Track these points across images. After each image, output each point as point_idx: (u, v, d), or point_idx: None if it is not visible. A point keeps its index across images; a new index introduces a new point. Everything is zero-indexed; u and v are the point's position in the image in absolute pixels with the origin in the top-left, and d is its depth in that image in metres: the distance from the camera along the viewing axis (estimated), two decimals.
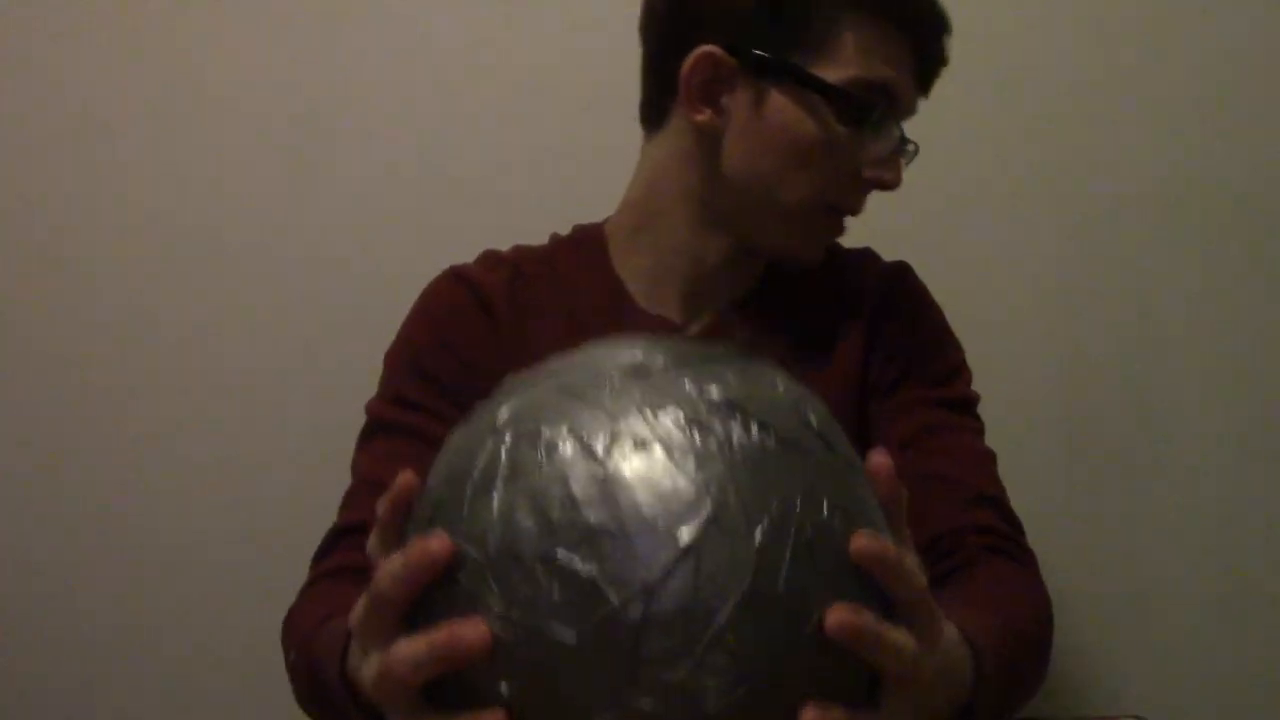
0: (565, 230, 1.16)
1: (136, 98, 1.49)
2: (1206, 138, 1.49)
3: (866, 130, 0.98)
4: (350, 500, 1.04)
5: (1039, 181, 1.49)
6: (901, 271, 1.15)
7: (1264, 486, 1.49)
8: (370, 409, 1.09)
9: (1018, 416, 1.46)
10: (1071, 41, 1.48)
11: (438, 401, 1.03)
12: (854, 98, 0.96)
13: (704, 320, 1.08)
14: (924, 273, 1.49)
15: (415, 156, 1.49)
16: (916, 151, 1.02)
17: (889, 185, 1.00)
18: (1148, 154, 1.49)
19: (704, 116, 1.00)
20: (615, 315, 1.06)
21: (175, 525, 1.50)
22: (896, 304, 1.11)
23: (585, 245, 1.11)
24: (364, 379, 1.49)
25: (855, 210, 1.04)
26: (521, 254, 1.13)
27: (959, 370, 1.11)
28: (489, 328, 1.06)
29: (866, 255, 1.16)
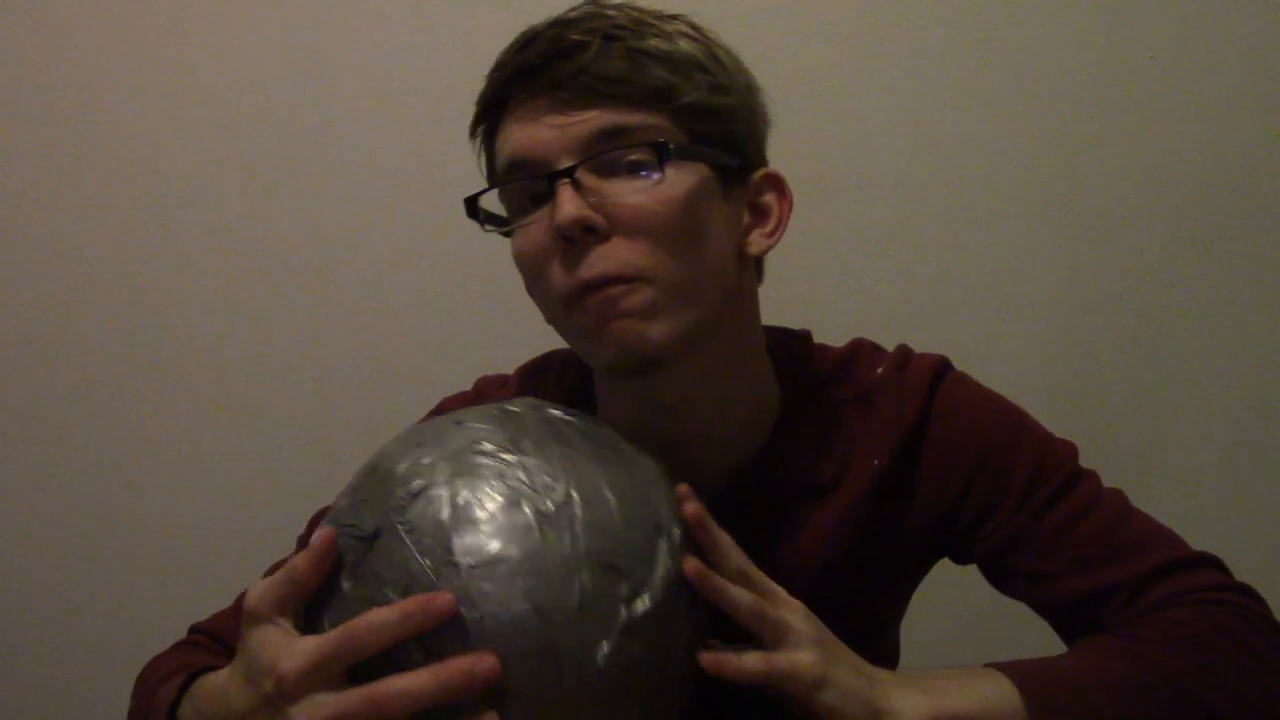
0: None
1: (137, 98, 1.49)
2: (1207, 139, 1.49)
3: (532, 205, 0.83)
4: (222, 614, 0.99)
5: (1041, 186, 1.49)
6: (931, 395, 0.94)
7: (1264, 487, 1.49)
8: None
9: None
10: (1073, 44, 1.48)
11: None
12: (505, 193, 0.85)
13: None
14: (924, 275, 1.50)
15: (419, 156, 1.49)
16: (574, 170, 0.81)
17: (561, 227, 0.79)
18: (1149, 158, 1.49)
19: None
20: None
21: (174, 526, 1.51)
22: (934, 445, 0.93)
23: (575, 404, 0.90)
24: (363, 379, 1.50)
25: (582, 277, 0.80)
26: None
27: (1039, 464, 0.92)
28: None
29: (891, 385, 0.94)
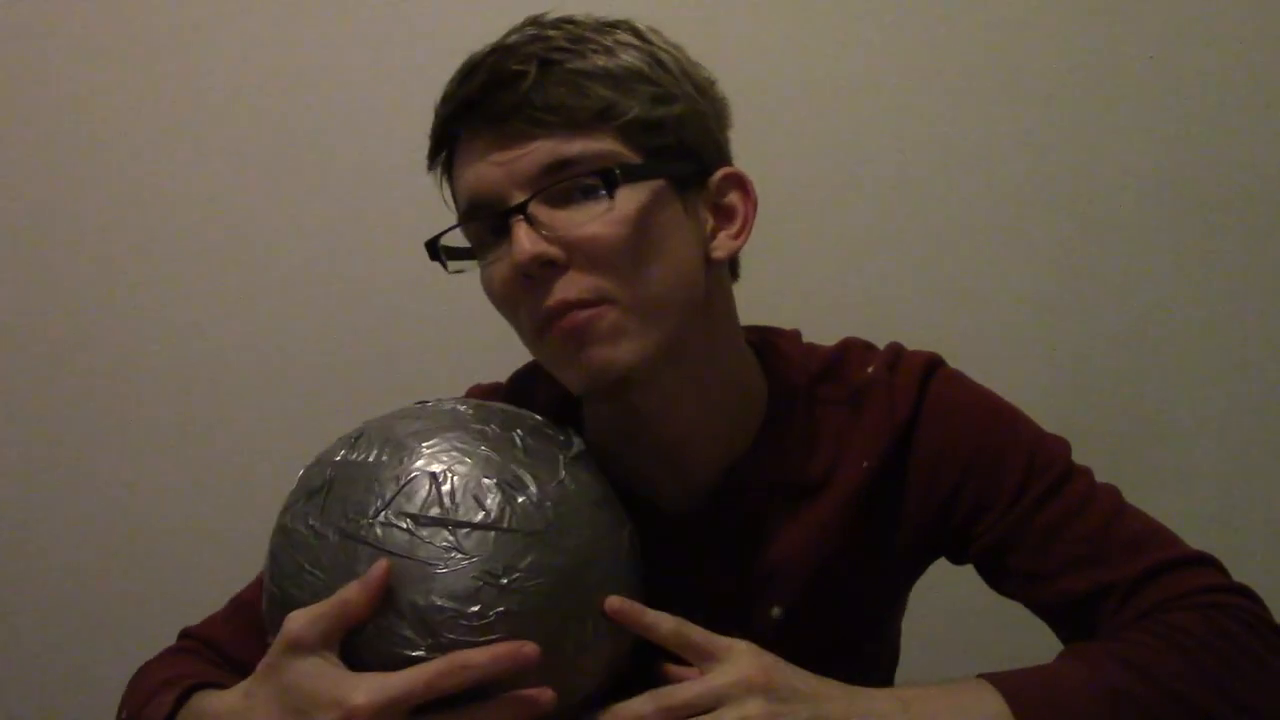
0: None
1: (136, 97, 1.49)
2: (1207, 139, 1.49)
3: (493, 238, 0.83)
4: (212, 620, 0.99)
5: (1040, 186, 1.49)
6: (919, 399, 0.92)
7: (1264, 487, 1.49)
8: None
9: None
10: (1073, 44, 1.48)
11: None
12: (467, 232, 0.85)
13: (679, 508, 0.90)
14: (921, 275, 1.50)
15: (416, 156, 1.49)
16: (525, 205, 0.80)
17: (519, 264, 0.79)
18: (1149, 157, 1.49)
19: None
20: None
21: (174, 526, 1.51)
22: (921, 447, 0.92)
23: (565, 411, 0.93)
24: (363, 379, 1.50)
25: (544, 305, 0.80)
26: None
27: (1032, 461, 0.90)
28: None
29: (879, 385, 0.93)
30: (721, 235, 0.86)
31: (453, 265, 0.87)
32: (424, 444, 0.76)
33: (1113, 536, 0.87)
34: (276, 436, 1.50)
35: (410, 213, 1.50)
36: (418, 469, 0.75)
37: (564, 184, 0.79)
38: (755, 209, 0.88)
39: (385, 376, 1.50)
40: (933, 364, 0.94)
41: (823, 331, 0.99)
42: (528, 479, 0.76)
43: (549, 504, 0.75)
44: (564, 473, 0.78)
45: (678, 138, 0.83)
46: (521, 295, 0.81)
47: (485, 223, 0.82)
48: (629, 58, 0.82)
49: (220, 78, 1.49)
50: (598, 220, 0.79)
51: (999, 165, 1.49)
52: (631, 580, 0.81)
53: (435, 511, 0.73)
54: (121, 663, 1.55)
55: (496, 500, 0.74)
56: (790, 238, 1.38)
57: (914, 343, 0.97)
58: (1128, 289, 1.49)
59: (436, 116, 0.86)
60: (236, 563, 1.49)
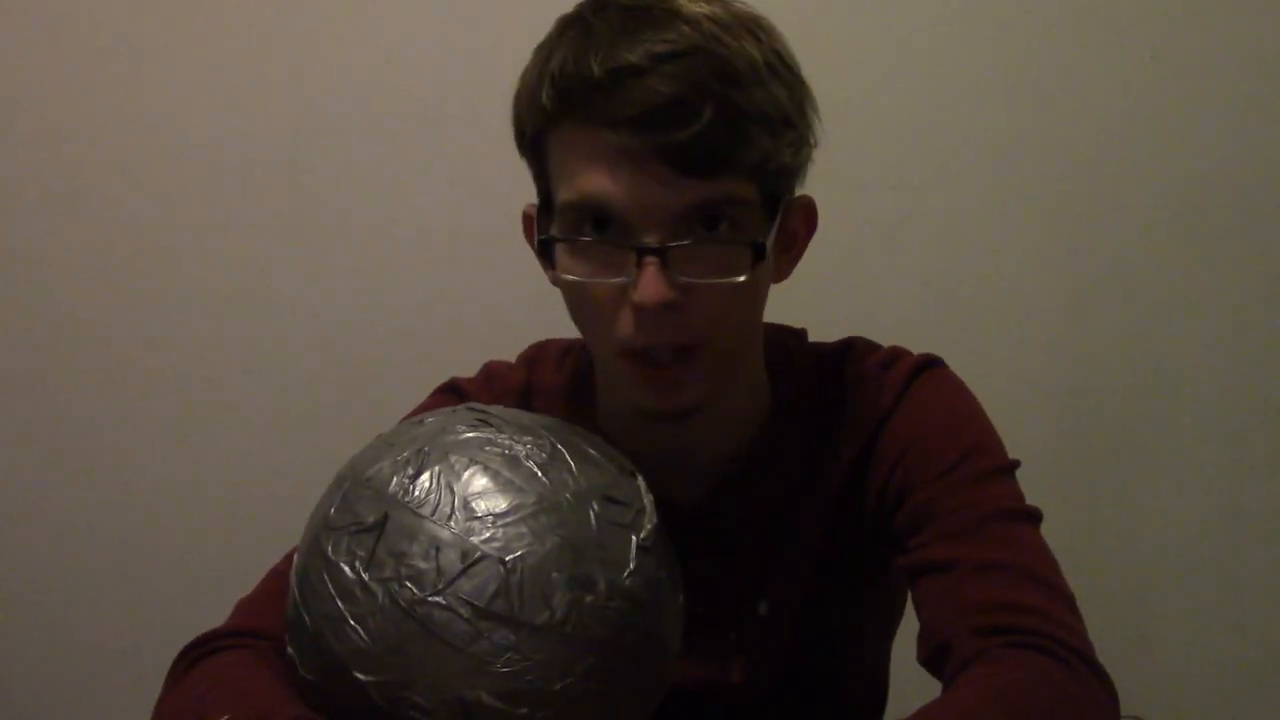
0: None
1: (132, 97, 1.49)
2: (1208, 139, 1.48)
3: (595, 254, 0.80)
4: (255, 605, 0.90)
5: (1041, 186, 1.49)
6: (897, 400, 0.92)
7: (1264, 486, 1.49)
8: None
9: (1018, 418, 1.45)
10: (1073, 44, 1.48)
11: None
12: (567, 224, 0.81)
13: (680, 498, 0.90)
14: (925, 277, 1.49)
15: (422, 157, 1.49)
16: (665, 251, 0.77)
17: (641, 305, 0.77)
18: (1150, 157, 1.48)
19: (550, 275, 0.85)
20: None
21: (172, 527, 1.51)
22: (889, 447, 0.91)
23: (577, 394, 0.95)
24: (363, 379, 1.50)
25: (645, 342, 0.80)
26: (515, 380, 0.99)
27: (966, 454, 0.88)
28: None
29: (870, 384, 0.93)
30: (783, 259, 0.87)
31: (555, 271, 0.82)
32: (492, 509, 0.71)
33: (1007, 551, 0.83)
34: (276, 437, 1.50)
35: (410, 211, 1.51)
36: (486, 550, 0.70)
37: (709, 244, 0.78)
38: (812, 235, 0.89)
39: (385, 377, 1.49)
40: (928, 363, 0.93)
41: (831, 335, 0.99)
42: (598, 576, 0.72)
43: (614, 605, 0.72)
44: (633, 564, 0.74)
45: (794, 181, 0.84)
46: (620, 314, 0.79)
47: (602, 233, 0.79)
48: (779, 92, 0.80)
49: (219, 76, 1.49)
50: (733, 288, 0.79)
51: (999, 165, 1.49)
52: (677, 649, 0.79)
53: (500, 606, 0.69)
54: (121, 663, 1.55)
55: (564, 601, 0.70)
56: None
57: (922, 346, 0.96)
58: (1136, 292, 1.49)
59: (565, 81, 0.78)
60: (238, 563, 1.50)
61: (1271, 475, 1.49)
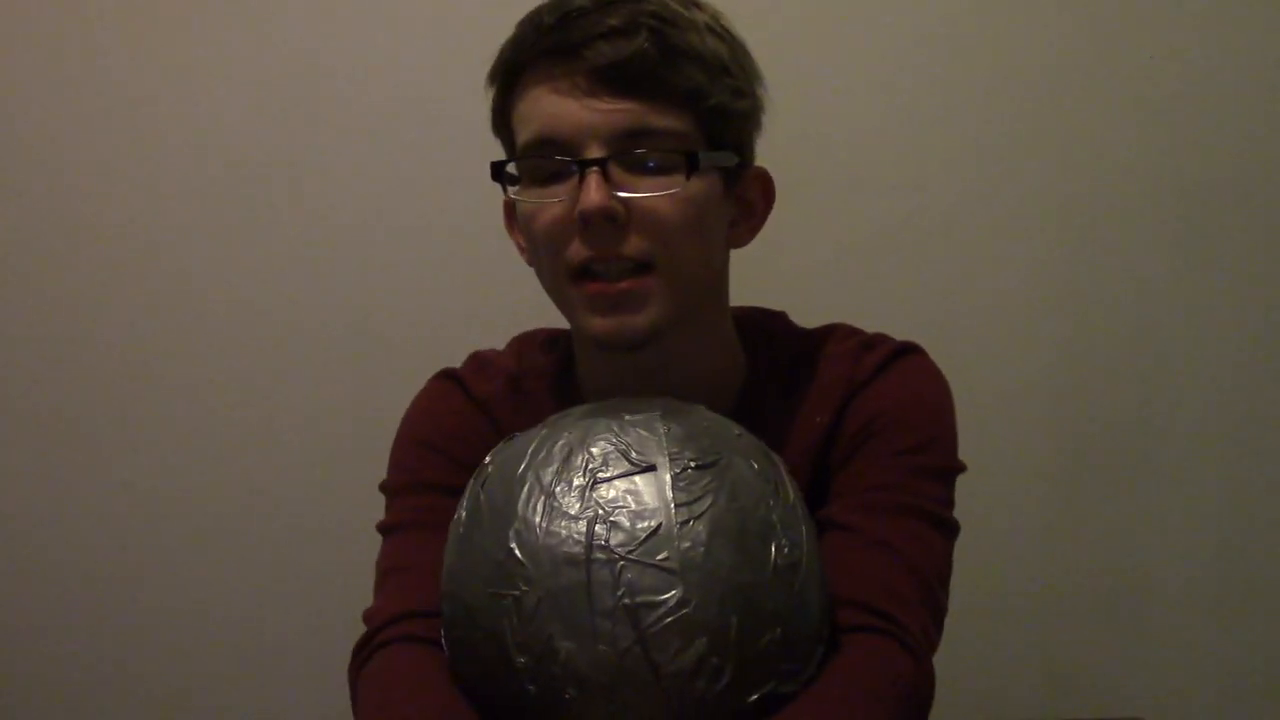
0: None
1: (133, 97, 1.49)
2: (1207, 139, 1.48)
3: (551, 178, 0.87)
4: (390, 587, 0.93)
5: (1041, 186, 1.48)
6: (868, 379, 0.96)
7: (1264, 486, 1.49)
8: (391, 507, 0.99)
9: (1018, 418, 1.46)
10: (1073, 43, 1.48)
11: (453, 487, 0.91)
12: (527, 161, 0.88)
13: None
14: (922, 275, 1.49)
15: (422, 157, 1.49)
16: (606, 161, 0.85)
17: (585, 213, 0.84)
18: (1150, 157, 1.48)
19: (508, 224, 0.97)
20: None
21: (172, 527, 1.51)
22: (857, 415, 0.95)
23: (563, 375, 1.00)
24: (363, 380, 1.50)
25: (591, 254, 0.86)
26: (500, 365, 1.03)
27: (918, 447, 0.93)
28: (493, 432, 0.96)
29: (845, 358, 0.97)
30: (741, 226, 0.94)
31: (512, 191, 0.90)
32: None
33: (910, 550, 0.88)
34: (276, 437, 1.50)
35: (411, 211, 1.50)
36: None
37: (645, 154, 0.85)
38: (770, 210, 0.96)
39: (385, 377, 1.49)
40: (909, 348, 0.98)
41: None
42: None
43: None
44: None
45: (739, 132, 0.91)
46: (569, 238, 0.86)
47: (552, 161, 0.86)
48: (715, 44, 0.88)
49: (219, 76, 1.49)
50: (669, 197, 0.86)
51: (999, 165, 1.49)
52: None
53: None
54: (122, 662, 1.55)
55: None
56: (796, 238, 1.38)
57: (918, 342, 0.98)
58: (1128, 288, 1.49)
59: (522, 40, 0.88)
60: (238, 563, 1.50)
61: (1272, 475, 1.49)
